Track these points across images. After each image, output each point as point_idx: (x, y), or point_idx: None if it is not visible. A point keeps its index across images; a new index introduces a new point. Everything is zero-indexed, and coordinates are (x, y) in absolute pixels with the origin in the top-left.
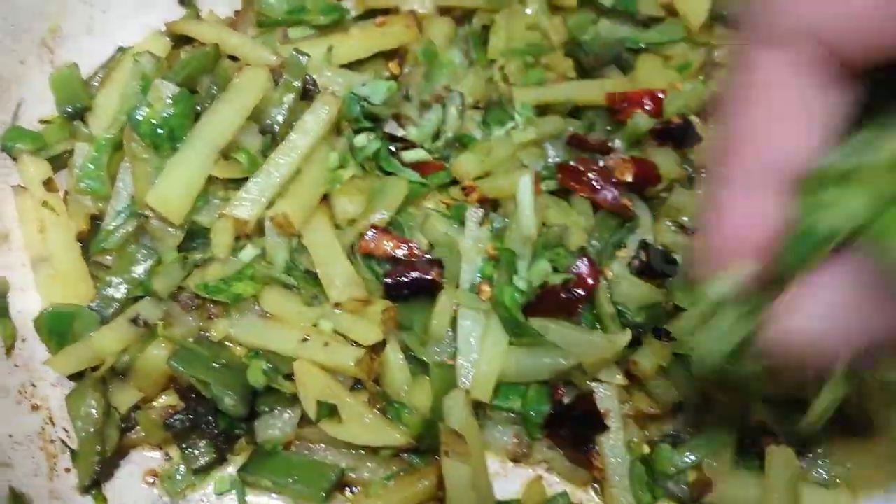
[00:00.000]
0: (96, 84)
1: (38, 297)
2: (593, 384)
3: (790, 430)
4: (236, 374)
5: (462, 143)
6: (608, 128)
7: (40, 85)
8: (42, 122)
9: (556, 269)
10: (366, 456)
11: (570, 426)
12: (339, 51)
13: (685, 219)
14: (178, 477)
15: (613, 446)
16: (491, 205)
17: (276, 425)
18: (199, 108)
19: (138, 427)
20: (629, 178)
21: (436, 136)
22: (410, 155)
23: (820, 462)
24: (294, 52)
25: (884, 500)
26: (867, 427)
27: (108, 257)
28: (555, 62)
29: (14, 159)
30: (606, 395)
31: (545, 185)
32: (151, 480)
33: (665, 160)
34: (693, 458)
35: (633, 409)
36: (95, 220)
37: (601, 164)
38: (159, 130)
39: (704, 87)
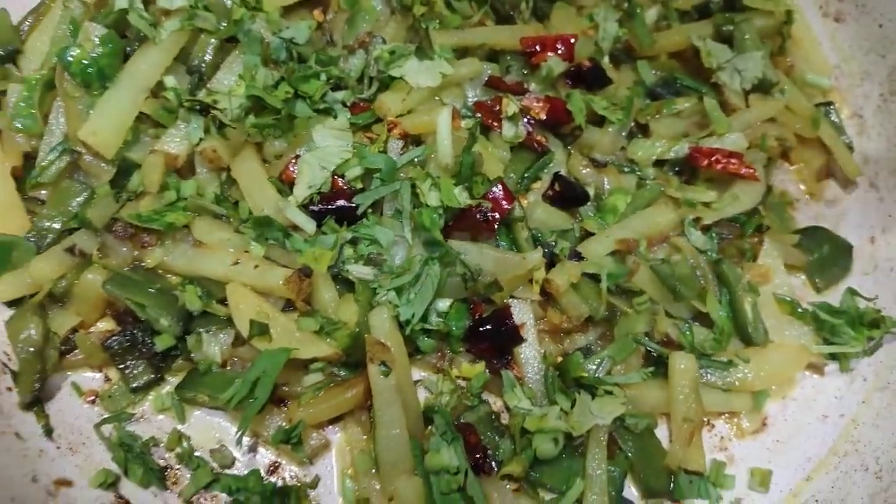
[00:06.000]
0: (25, 29)
1: None
2: (510, 300)
3: (692, 341)
4: (170, 297)
5: (385, 83)
6: (524, 71)
7: None
8: None
9: (474, 196)
10: (298, 371)
11: (489, 339)
12: None
13: (596, 154)
14: (118, 395)
15: (529, 355)
16: (413, 141)
17: (211, 345)
18: (128, 49)
19: (77, 350)
20: (543, 117)
21: (360, 78)
22: (339, 95)
23: (720, 370)
24: None
25: (780, 405)
26: (762, 338)
27: (43, 192)
28: (473, 10)
29: None
30: (522, 310)
31: (465, 124)
32: (92, 399)
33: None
34: (603, 366)
35: (548, 323)
36: (29, 157)
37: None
38: (89, 70)
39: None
